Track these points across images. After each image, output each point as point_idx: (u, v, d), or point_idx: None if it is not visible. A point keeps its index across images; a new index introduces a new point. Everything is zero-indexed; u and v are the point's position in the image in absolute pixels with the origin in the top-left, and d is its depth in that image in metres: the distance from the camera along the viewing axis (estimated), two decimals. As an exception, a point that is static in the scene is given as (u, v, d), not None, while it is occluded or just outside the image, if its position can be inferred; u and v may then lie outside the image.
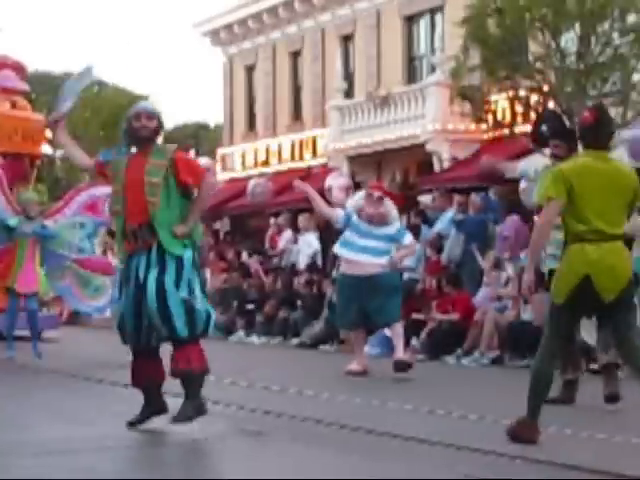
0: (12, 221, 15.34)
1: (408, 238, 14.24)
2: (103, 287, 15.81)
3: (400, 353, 13.66)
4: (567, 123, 9.47)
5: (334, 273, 20.92)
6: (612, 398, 10.03)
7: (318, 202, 14.97)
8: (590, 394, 10.37)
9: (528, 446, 7.73)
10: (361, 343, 14.48)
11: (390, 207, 14.01)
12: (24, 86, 22.04)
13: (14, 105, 21.35)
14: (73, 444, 7.93)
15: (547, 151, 11.03)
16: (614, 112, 20.21)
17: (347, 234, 13.95)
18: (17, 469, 6.86)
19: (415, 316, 18.46)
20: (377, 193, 14.01)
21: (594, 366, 14.01)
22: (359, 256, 13.66)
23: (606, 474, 6.82)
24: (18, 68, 21.85)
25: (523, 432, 7.95)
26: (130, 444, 8.11)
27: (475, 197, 20.19)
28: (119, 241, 8.51)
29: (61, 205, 16.17)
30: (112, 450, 7.79)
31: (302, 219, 24.84)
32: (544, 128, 9.31)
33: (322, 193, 17.51)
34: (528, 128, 22.76)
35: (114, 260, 16.54)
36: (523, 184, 14.65)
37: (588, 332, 15.33)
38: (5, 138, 20.24)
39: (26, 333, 16.56)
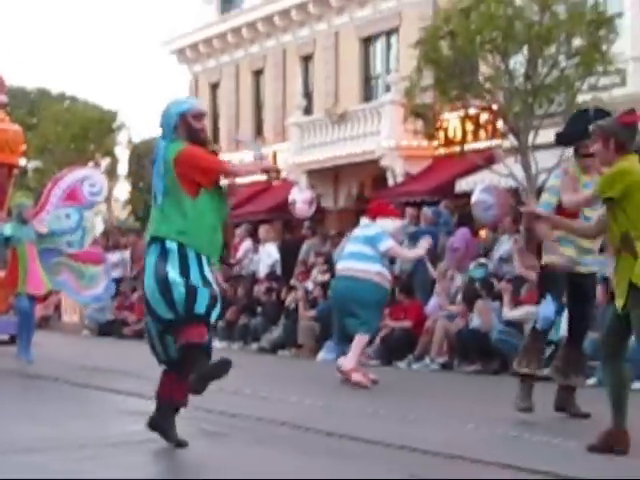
0: (7, 230, 15.24)
1: (385, 245, 13.59)
2: (97, 276, 15.72)
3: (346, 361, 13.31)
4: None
5: (292, 281, 21.01)
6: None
7: None
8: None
9: (471, 447, 7.75)
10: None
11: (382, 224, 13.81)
12: (3, 99, 21.97)
13: None
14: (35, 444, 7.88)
15: (569, 151, 10.96)
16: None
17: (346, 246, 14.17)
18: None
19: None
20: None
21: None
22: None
23: (543, 474, 6.85)
24: None
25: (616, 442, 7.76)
26: (86, 443, 8.05)
27: (427, 210, 20.28)
28: None
29: (42, 202, 15.86)
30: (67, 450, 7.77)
31: (262, 230, 24.82)
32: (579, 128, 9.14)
33: (286, 206, 17.38)
34: (478, 145, 23.10)
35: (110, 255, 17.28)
36: (474, 198, 14.70)
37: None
38: None
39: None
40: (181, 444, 7.65)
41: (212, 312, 7.53)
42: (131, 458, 7.48)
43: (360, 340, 13.39)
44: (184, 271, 7.46)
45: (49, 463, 7.20)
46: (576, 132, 9.33)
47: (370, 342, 15.24)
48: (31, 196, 17.72)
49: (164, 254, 7.52)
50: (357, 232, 13.98)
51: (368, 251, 13.44)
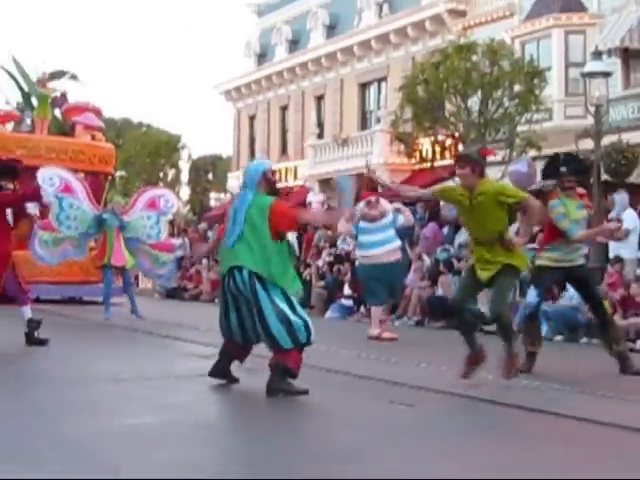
0: (105, 215, 15.55)
1: (400, 219, 13.40)
2: (168, 261, 15.95)
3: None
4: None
5: (307, 260, 20.95)
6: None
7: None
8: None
9: (441, 382, 7.72)
10: (382, 315, 13.34)
11: (385, 204, 13.44)
12: (100, 124, 22.16)
13: (93, 137, 21.65)
14: (117, 376, 7.92)
15: (549, 182, 10.77)
16: (503, 153, 20.31)
17: (362, 238, 13.19)
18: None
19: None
20: (373, 198, 13.30)
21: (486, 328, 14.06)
22: (375, 250, 12.97)
23: (502, 405, 6.83)
24: (96, 111, 22.15)
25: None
26: (155, 376, 8.08)
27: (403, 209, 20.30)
28: None
29: (130, 205, 16.18)
30: (142, 381, 7.78)
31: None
32: (564, 169, 9.07)
33: (303, 205, 17.25)
34: (444, 162, 23.06)
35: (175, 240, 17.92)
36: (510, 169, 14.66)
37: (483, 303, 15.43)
38: (87, 161, 20.72)
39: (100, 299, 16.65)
40: (236, 380, 7.55)
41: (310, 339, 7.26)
42: (190, 387, 7.50)
43: (374, 311, 13.18)
44: (290, 304, 7.23)
45: (127, 390, 7.23)
46: (553, 172, 9.27)
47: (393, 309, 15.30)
48: (126, 198, 17.98)
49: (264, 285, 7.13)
50: (374, 226, 13.11)
51: (388, 234, 13.15)
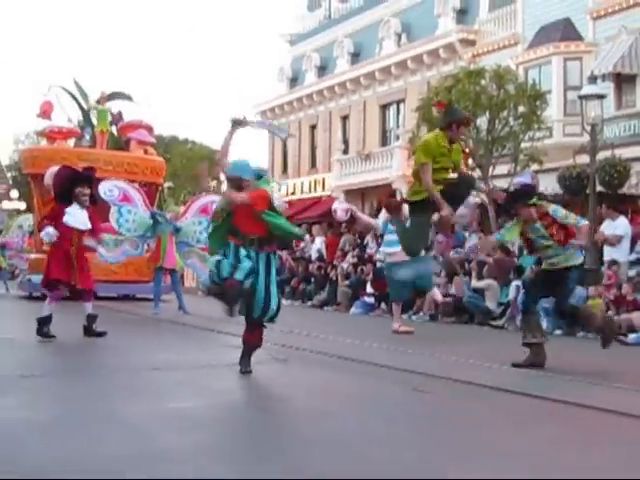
0: (160, 219, 15.64)
1: None
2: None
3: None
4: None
5: (334, 262, 20.90)
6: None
7: (364, 218, 14.62)
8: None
9: (458, 371, 7.64)
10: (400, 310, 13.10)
11: (405, 209, 13.18)
12: (152, 139, 22.22)
13: (145, 152, 21.66)
14: (164, 364, 7.89)
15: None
16: (509, 167, 20.20)
17: (387, 237, 12.90)
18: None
19: (385, 290, 18.42)
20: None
21: (492, 322, 13.91)
22: (397, 248, 12.24)
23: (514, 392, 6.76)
24: (148, 127, 22.13)
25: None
26: (201, 365, 8.07)
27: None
28: None
29: (184, 211, 16.45)
30: (187, 369, 7.75)
31: (314, 229, 24.82)
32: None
33: (330, 213, 17.08)
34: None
35: None
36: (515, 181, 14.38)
37: (490, 301, 15.31)
38: (140, 173, 20.75)
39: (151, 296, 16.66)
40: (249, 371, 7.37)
41: None
42: (230, 375, 7.46)
43: (395, 307, 13.02)
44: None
45: (172, 376, 7.21)
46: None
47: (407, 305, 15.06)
48: (180, 207, 18.04)
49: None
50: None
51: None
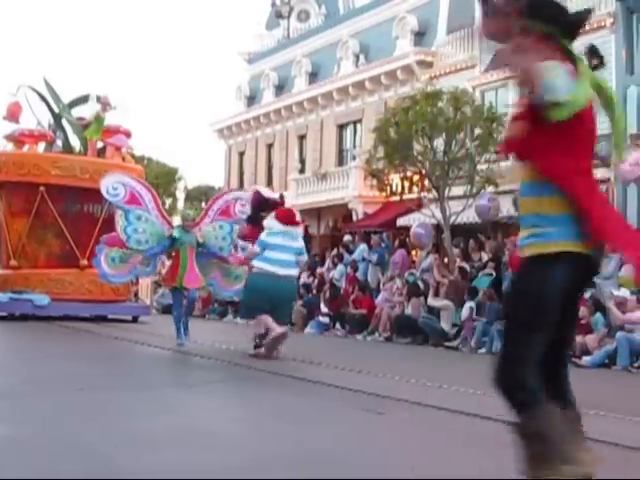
0: (176, 232, 12.36)
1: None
2: (242, 275, 12.53)
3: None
4: None
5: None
6: None
7: None
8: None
9: (410, 392, 7.62)
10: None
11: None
12: (129, 144, 21.30)
13: (124, 159, 20.63)
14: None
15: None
16: (465, 189, 20.33)
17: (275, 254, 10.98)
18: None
19: (340, 310, 18.45)
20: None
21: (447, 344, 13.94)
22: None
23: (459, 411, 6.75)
24: (126, 133, 20.90)
25: None
26: (192, 383, 7.90)
27: (375, 237, 20.51)
28: None
29: (202, 215, 13.33)
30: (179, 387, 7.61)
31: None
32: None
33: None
34: (412, 196, 23.01)
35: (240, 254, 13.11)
36: (413, 230, 14.61)
37: (445, 322, 15.39)
38: None
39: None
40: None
41: None
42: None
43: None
44: None
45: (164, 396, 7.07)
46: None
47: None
48: (197, 210, 16.23)
49: None
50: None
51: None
